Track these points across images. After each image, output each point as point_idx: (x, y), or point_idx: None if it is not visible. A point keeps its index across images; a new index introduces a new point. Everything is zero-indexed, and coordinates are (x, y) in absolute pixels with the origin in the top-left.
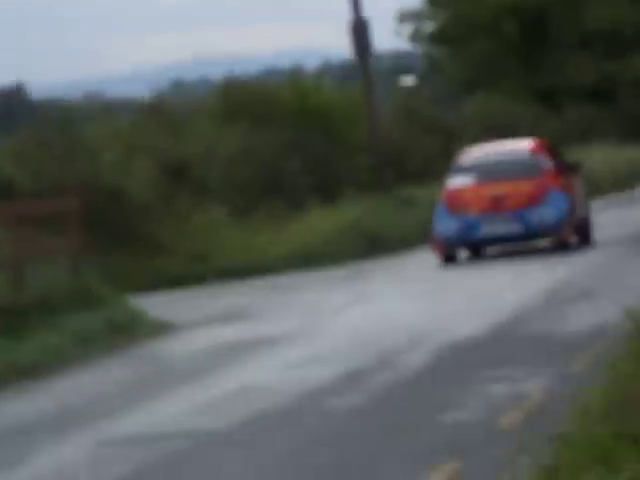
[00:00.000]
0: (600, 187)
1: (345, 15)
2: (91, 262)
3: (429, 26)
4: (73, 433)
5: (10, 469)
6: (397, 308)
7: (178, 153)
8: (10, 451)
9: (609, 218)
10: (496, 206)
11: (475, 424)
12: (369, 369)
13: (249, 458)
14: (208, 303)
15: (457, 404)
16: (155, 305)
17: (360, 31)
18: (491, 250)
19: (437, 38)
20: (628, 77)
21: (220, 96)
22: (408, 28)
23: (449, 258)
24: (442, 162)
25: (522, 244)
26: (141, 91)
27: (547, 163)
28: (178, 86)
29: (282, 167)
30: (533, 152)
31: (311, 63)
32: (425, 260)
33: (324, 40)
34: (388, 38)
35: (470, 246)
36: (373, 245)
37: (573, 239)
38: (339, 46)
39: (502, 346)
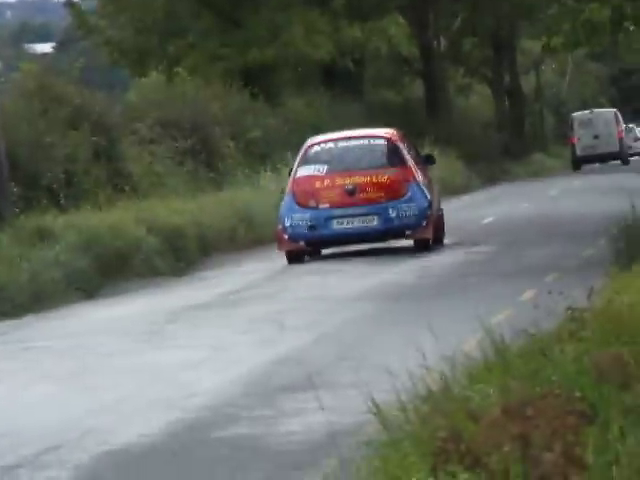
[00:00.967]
0: None
1: None
2: None
3: None
4: None
5: None
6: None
7: None
8: None
9: None
10: (350, 199)
11: None
12: None
13: None
14: None
15: None
16: None
17: None
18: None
19: None
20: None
21: None
22: None
23: (295, 258)
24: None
25: (379, 243)
26: None
27: (406, 154)
28: None
29: None
30: (392, 142)
31: None
32: None
33: None
34: None
35: (320, 244)
36: None
37: (431, 237)
38: None
39: None
